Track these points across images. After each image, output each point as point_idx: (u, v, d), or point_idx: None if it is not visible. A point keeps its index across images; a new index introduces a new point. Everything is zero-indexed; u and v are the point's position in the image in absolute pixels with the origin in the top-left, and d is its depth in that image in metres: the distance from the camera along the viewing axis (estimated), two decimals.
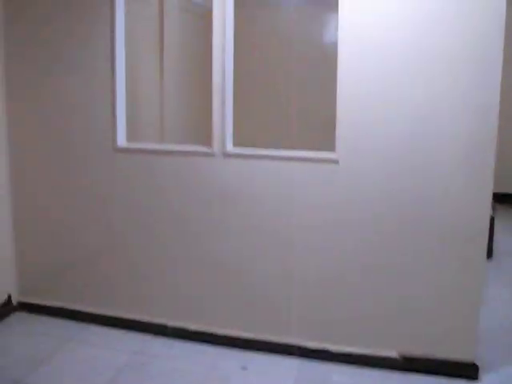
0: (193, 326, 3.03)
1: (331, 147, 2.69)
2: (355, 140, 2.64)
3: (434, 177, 2.57)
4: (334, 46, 2.65)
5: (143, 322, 3.12)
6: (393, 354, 2.74)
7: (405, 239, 2.66)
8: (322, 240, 2.77)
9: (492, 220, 4.17)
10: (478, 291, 2.62)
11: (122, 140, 3.03)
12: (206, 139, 2.89)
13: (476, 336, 2.65)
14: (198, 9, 4.71)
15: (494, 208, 4.40)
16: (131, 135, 3.14)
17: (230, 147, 2.85)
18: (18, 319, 3.28)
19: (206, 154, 2.87)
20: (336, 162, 2.67)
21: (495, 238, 4.48)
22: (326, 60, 3.77)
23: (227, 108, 2.81)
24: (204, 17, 4.26)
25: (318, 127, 4.56)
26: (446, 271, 2.63)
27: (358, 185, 2.67)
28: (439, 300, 2.66)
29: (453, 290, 2.64)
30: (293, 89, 4.95)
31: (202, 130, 3.35)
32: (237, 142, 2.90)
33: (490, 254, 4.25)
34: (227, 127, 2.82)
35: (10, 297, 3.30)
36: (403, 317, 2.71)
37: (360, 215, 2.69)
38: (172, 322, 3.08)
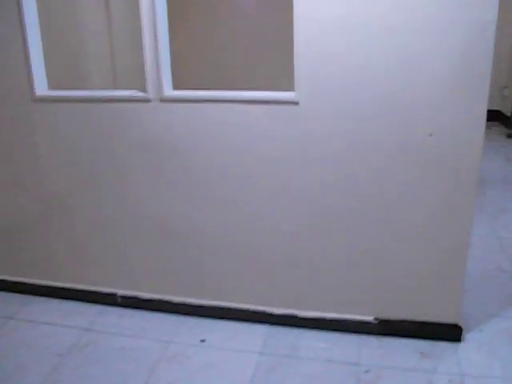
0: (144, 295, 2.72)
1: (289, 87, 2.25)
2: (318, 77, 2.18)
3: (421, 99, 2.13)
4: None
5: (92, 292, 2.80)
6: (369, 318, 2.46)
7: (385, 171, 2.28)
8: (281, 189, 2.40)
9: None
10: (465, 234, 2.26)
11: (42, 88, 2.55)
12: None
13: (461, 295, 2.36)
14: None
15: None
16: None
17: (168, 91, 2.39)
18: None
19: (141, 100, 2.41)
20: (296, 103, 2.24)
21: None
22: None
23: (162, 44, 2.32)
24: None
25: (271, 65, 4.00)
26: (426, 209, 2.27)
27: (322, 127, 2.26)
28: (422, 254, 2.34)
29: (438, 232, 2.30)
30: (241, 22, 4.27)
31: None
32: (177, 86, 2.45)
33: None
34: (164, 68, 2.35)
35: None
36: (380, 275, 2.40)
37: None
38: (122, 291, 2.76)
